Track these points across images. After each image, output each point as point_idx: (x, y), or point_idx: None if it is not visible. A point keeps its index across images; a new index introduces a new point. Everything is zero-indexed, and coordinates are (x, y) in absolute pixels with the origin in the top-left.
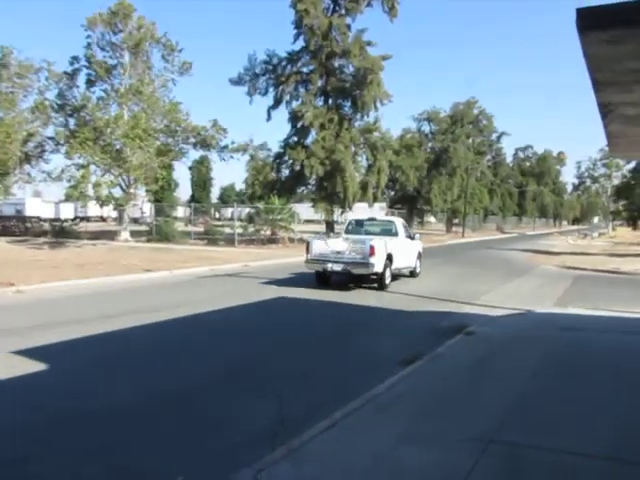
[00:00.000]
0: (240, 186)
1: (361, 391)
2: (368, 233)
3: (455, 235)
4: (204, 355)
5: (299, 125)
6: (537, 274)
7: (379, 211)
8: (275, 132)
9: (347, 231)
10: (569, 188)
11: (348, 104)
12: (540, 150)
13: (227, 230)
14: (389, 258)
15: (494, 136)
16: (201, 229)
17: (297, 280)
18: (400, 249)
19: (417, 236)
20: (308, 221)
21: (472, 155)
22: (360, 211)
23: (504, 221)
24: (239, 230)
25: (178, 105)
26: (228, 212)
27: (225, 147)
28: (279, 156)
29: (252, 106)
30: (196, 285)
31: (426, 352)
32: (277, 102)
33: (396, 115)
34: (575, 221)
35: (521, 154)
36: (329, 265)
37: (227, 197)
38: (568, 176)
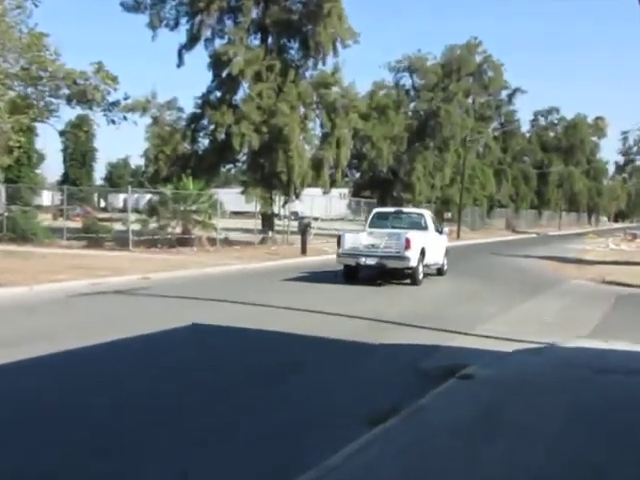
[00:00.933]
0: (137, 162)
1: (298, 468)
2: (394, 227)
3: (447, 236)
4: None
5: (224, 74)
6: (563, 291)
7: (338, 201)
8: (190, 84)
9: (371, 224)
10: (611, 169)
11: (295, 45)
12: (569, 115)
13: (118, 226)
14: (422, 253)
15: (504, 95)
16: (79, 224)
17: (221, 300)
18: (431, 244)
19: (445, 230)
20: (237, 214)
21: (472, 121)
22: (311, 201)
23: (517, 216)
24: (136, 226)
25: (43, 38)
26: (119, 200)
27: (115, 104)
28: (195, 119)
29: (156, 44)
30: (66, 308)
31: (402, 405)
32: (192, 40)
33: (365, 63)
34: (619, 216)
35: (542, 120)
36: (362, 259)
37: (118, 178)
38: (609, 152)
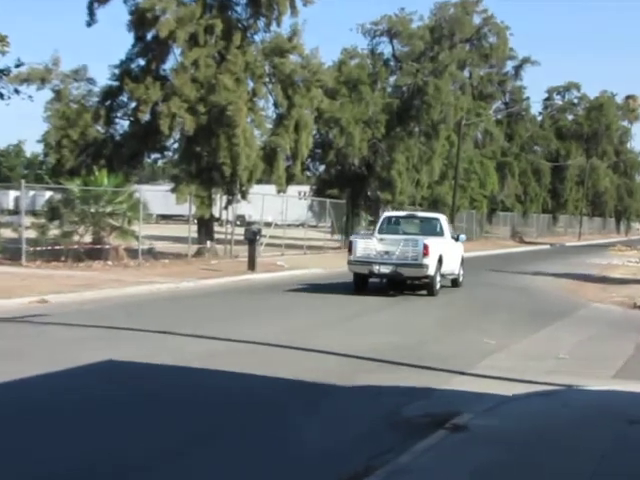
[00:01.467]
0: (34, 149)
1: None
2: (406, 233)
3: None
4: None
5: (149, 37)
6: (583, 319)
7: (297, 202)
8: (104, 48)
9: (381, 230)
10: None
11: (242, 0)
12: (593, 93)
13: (7, 233)
14: (440, 261)
15: (510, 67)
16: None
17: (145, 330)
18: (448, 252)
19: (462, 237)
20: (165, 217)
21: (469, 101)
22: (262, 202)
23: (525, 222)
24: (31, 234)
25: None
26: (9, 199)
27: (3, 72)
28: (111, 94)
29: None
30: None
31: (378, 464)
32: None
33: (332, 25)
34: None
35: (558, 100)
36: (376, 267)
37: (8, 170)
38: None
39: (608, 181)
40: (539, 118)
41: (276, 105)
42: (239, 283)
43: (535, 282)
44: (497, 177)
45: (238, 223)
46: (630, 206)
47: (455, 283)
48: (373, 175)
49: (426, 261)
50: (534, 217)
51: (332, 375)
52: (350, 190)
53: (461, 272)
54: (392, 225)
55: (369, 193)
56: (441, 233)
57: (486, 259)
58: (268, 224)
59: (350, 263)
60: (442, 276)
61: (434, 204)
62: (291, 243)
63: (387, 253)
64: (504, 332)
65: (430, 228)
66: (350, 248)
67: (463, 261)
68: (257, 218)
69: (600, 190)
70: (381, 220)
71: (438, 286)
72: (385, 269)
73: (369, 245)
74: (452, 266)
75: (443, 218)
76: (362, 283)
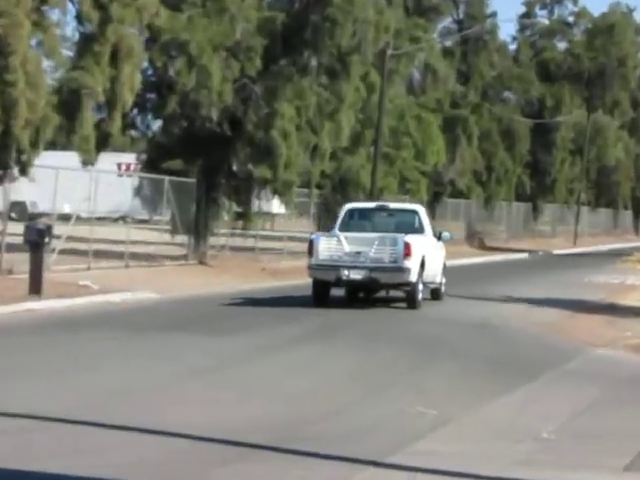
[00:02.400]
0: None
1: None
2: (376, 230)
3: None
4: None
5: None
6: (579, 375)
7: (116, 181)
8: None
9: (343, 227)
10: None
11: None
12: (597, 7)
13: None
14: (422, 264)
15: None
16: None
17: None
18: (430, 253)
19: (445, 235)
20: None
21: (399, 16)
22: (55, 179)
23: (489, 215)
24: None
25: None
26: None
27: None
28: None
29: None
30: None
31: None
32: None
33: None
34: None
35: (542, 17)
36: (344, 272)
37: None
38: None
39: (621, 149)
40: (512, 47)
41: (80, 19)
42: (12, 318)
43: (503, 313)
44: (444, 142)
45: (14, 216)
46: None
47: (436, 294)
48: (242, 137)
49: (408, 264)
50: (503, 208)
51: (158, 473)
52: (204, 162)
53: (443, 280)
54: (357, 220)
55: (235, 167)
56: (421, 229)
57: None
58: (66, 217)
59: (311, 268)
60: (424, 284)
61: (342, 185)
62: (104, 249)
63: (358, 254)
64: (452, 394)
65: (406, 223)
66: (310, 249)
67: (445, 266)
68: (46, 207)
69: (609, 164)
70: (342, 214)
71: (421, 295)
72: (356, 274)
73: (335, 245)
74: (434, 272)
75: (422, 210)
76: (324, 294)
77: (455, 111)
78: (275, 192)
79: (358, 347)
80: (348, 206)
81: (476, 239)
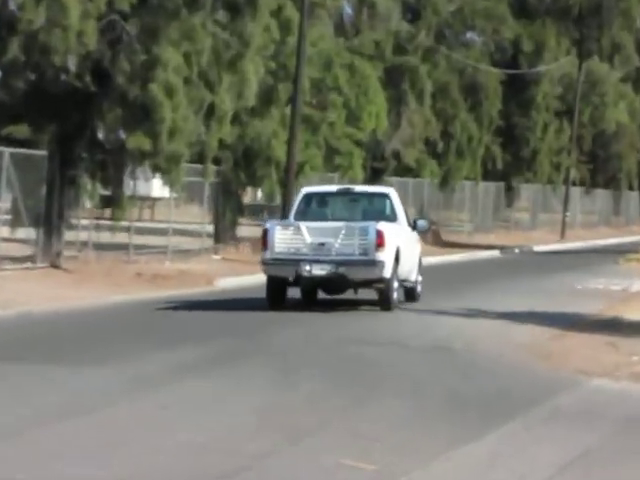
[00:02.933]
0: None
1: None
2: (340, 219)
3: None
4: None
5: None
6: (571, 414)
7: None
8: None
9: (298, 215)
10: None
11: None
12: None
13: None
14: (397, 258)
15: None
16: None
17: None
18: (405, 245)
19: (421, 223)
20: None
21: None
22: None
23: (447, 199)
24: None
25: None
26: None
27: None
28: None
29: None
30: None
31: None
32: None
33: None
34: None
35: None
36: (306, 267)
37: None
38: None
39: (624, 110)
40: None
41: None
42: None
43: (470, 332)
44: (386, 101)
45: None
46: None
47: (411, 294)
48: (110, 95)
49: (381, 256)
50: (466, 190)
51: None
52: (58, 129)
53: (419, 278)
54: (316, 207)
55: (101, 135)
56: (393, 217)
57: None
58: None
59: (265, 263)
60: (398, 282)
61: (247, 159)
62: None
63: (322, 246)
64: (399, 442)
65: (376, 210)
66: (264, 240)
67: (421, 262)
68: None
69: (608, 130)
70: (298, 200)
71: (395, 295)
72: (320, 270)
73: (294, 235)
74: (409, 268)
75: (394, 194)
76: (280, 295)
77: (400, 58)
78: (156, 169)
79: (277, 377)
80: (305, 190)
81: (430, 232)
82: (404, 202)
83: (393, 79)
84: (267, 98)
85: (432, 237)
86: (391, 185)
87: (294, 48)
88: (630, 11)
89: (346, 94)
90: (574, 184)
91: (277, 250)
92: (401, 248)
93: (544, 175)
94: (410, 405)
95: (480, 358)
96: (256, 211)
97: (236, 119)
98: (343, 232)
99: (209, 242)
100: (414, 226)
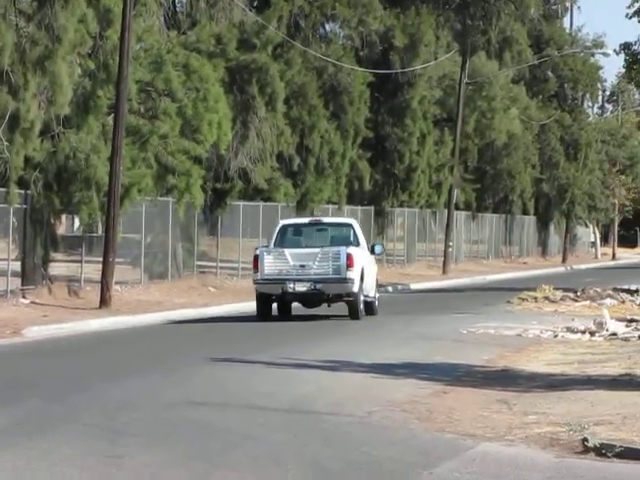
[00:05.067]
0: None
1: None
2: (313, 245)
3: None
4: None
5: None
6: None
7: None
8: None
9: (278, 243)
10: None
11: None
12: None
13: None
14: (362, 276)
15: None
16: None
17: None
18: (366, 266)
19: (377, 248)
20: None
21: None
22: None
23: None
24: None
25: None
26: None
27: None
28: None
29: None
30: None
31: None
32: None
33: None
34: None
35: None
36: (290, 285)
37: None
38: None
39: (517, 117)
40: None
41: None
42: None
43: (332, 389)
44: (230, 109)
45: None
46: (574, 184)
47: (370, 308)
48: None
49: (350, 275)
50: (328, 215)
51: None
52: None
53: (377, 295)
54: (292, 236)
55: None
56: (356, 242)
57: (200, 332)
58: None
59: (257, 282)
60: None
61: (60, 181)
62: None
63: (303, 267)
64: None
65: (342, 237)
66: (255, 264)
67: (378, 280)
68: None
69: (498, 141)
70: (277, 231)
71: (362, 306)
72: (301, 287)
73: (280, 258)
74: (370, 285)
75: (355, 224)
76: (268, 308)
77: (246, 56)
78: None
79: (97, 448)
80: (282, 223)
81: None
82: (254, 232)
83: (238, 81)
84: (84, 105)
85: None
86: (238, 209)
87: (116, 44)
88: None
89: (181, 100)
90: (458, 208)
91: (267, 271)
92: (365, 268)
93: (422, 197)
94: None
95: (347, 421)
96: (73, 244)
97: (46, 131)
98: (319, 256)
99: (16, 282)
100: (372, 250)
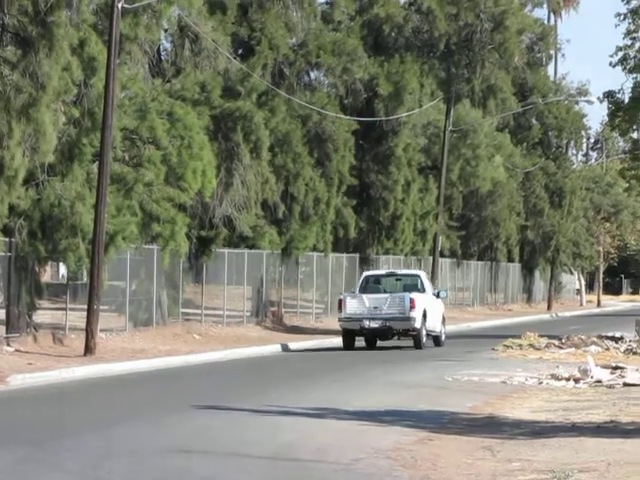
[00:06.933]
0: None
1: None
2: (387, 292)
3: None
4: None
5: None
6: None
7: None
8: None
9: (362, 290)
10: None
11: None
12: None
13: None
14: (424, 315)
15: None
16: None
17: None
18: (430, 307)
19: (442, 293)
20: None
21: None
22: None
23: (292, 275)
24: None
25: None
26: None
27: None
28: None
29: None
30: None
31: None
32: None
33: None
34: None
35: None
36: (366, 322)
37: None
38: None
39: (501, 165)
40: None
41: None
42: None
43: (315, 436)
44: (215, 156)
45: None
46: (558, 231)
47: (437, 341)
48: None
49: (413, 314)
50: (314, 262)
51: None
52: None
53: (443, 330)
54: (372, 284)
55: None
56: (422, 289)
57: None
58: None
59: (341, 320)
60: (427, 332)
61: (45, 229)
62: None
63: (376, 308)
64: None
65: (411, 285)
66: (340, 306)
67: (444, 319)
68: None
69: (482, 189)
70: (361, 280)
71: (424, 339)
72: (375, 324)
73: (359, 302)
74: (434, 322)
75: (423, 274)
76: (352, 340)
77: (231, 103)
78: None
79: None
80: (365, 274)
81: (269, 314)
82: (239, 279)
83: (222, 129)
84: (69, 153)
85: (274, 320)
86: (223, 256)
87: (101, 92)
88: (506, 45)
89: (165, 147)
90: (443, 255)
91: (348, 312)
92: (427, 309)
93: (407, 244)
94: None
95: (331, 469)
96: (58, 291)
97: (31, 179)
98: (389, 300)
99: (0, 330)
100: (437, 295)
